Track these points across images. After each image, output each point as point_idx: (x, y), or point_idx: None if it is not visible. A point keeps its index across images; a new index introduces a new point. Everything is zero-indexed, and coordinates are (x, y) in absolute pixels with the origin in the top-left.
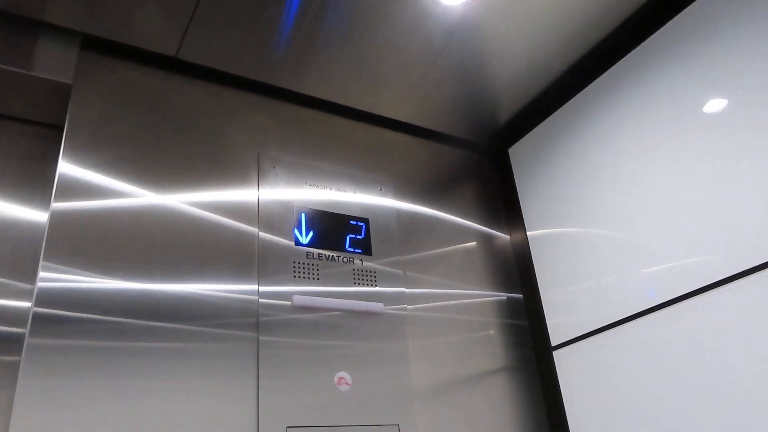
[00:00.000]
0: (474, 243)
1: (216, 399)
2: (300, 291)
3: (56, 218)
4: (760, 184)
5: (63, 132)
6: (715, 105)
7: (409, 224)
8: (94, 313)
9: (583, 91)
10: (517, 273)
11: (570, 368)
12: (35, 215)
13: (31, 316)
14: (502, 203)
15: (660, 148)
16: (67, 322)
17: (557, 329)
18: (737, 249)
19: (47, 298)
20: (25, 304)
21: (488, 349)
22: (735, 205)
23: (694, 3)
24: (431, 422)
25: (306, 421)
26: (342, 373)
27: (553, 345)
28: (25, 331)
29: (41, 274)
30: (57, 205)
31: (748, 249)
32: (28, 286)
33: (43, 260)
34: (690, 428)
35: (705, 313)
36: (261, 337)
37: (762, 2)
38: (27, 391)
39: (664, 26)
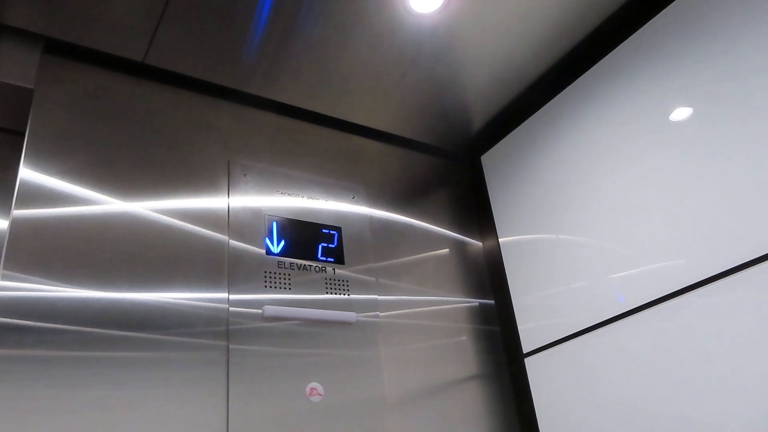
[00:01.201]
0: (446, 250)
1: (185, 409)
2: (271, 300)
3: (17, 226)
4: (727, 191)
5: (24, 138)
6: (681, 113)
7: (382, 232)
8: (57, 323)
9: (554, 99)
10: (489, 279)
11: (541, 375)
12: None
13: None
14: (474, 210)
15: (629, 155)
16: (28, 332)
17: (529, 335)
18: (705, 255)
19: (7, 307)
20: None
21: (460, 355)
22: (702, 211)
23: (661, 13)
24: (403, 430)
25: None
26: (314, 384)
27: (524, 352)
28: None
29: (1, 283)
30: (18, 213)
31: (716, 255)
32: None
33: (3, 269)
34: None
35: (674, 319)
36: (231, 347)
37: (724, 15)
38: None
39: (632, 36)
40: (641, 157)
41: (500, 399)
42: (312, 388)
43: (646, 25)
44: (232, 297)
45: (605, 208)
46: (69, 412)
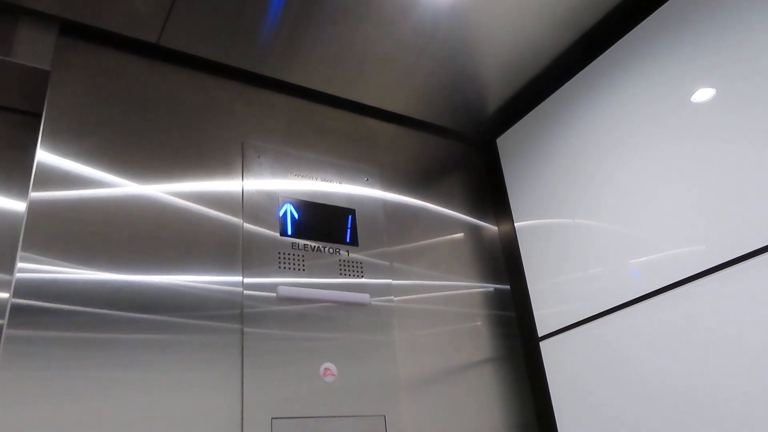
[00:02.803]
0: (461, 234)
1: (200, 391)
2: (285, 282)
3: (35, 208)
4: (747, 175)
5: (41, 120)
6: (703, 95)
7: (396, 215)
8: (74, 305)
9: (571, 80)
10: (504, 264)
11: (556, 358)
12: (13, 204)
13: (9, 308)
14: (489, 194)
15: (648, 138)
16: (46, 313)
17: (544, 320)
18: (724, 239)
19: (26, 289)
20: (3, 295)
21: (475, 340)
22: (722, 195)
23: None
24: (417, 413)
25: (291, 412)
26: (327, 365)
27: (540, 335)
28: (2, 322)
29: (19, 264)
30: (35, 195)
31: (734, 239)
32: (6, 277)
33: (21, 251)
34: (677, 419)
35: (692, 303)
36: (245, 329)
37: None
38: (6, 383)
39: (653, 14)
40: (661, 140)
41: (515, 382)
42: (326, 369)
43: (665, 3)
44: (247, 280)
45: (623, 191)
46: (83, 393)
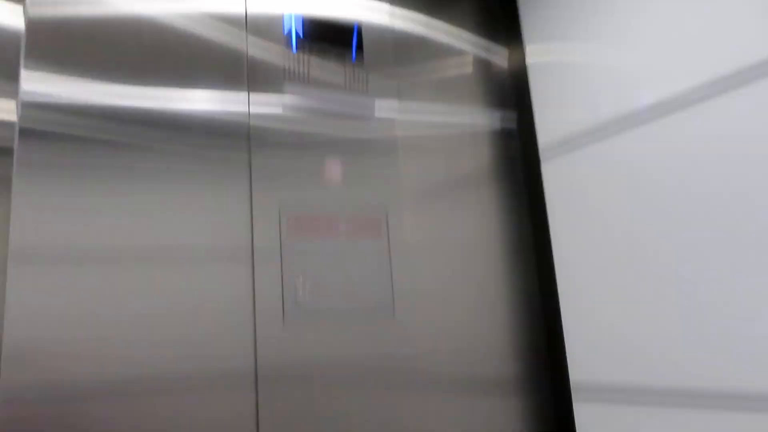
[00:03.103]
0: (470, 57)
1: (210, 204)
2: (290, 97)
3: (33, 25)
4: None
5: None
6: None
7: (403, 34)
8: (80, 128)
9: None
10: (512, 90)
11: (556, 178)
12: (11, 21)
13: (17, 130)
14: (501, 16)
15: None
16: (54, 136)
17: (548, 144)
18: (736, 63)
19: (31, 111)
20: (11, 118)
21: (478, 161)
22: (737, 28)
23: None
24: (417, 217)
25: (297, 212)
26: (333, 171)
27: (542, 158)
28: (13, 145)
29: (23, 86)
30: (33, 10)
31: (754, 53)
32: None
33: (24, 69)
34: (677, 250)
35: (698, 127)
36: (252, 142)
37: None
38: (22, 206)
39: None
40: None
41: (514, 200)
42: (331, 176)
43: None
44: (253, 95)
45: (640, 20)
46: (97, 214)
